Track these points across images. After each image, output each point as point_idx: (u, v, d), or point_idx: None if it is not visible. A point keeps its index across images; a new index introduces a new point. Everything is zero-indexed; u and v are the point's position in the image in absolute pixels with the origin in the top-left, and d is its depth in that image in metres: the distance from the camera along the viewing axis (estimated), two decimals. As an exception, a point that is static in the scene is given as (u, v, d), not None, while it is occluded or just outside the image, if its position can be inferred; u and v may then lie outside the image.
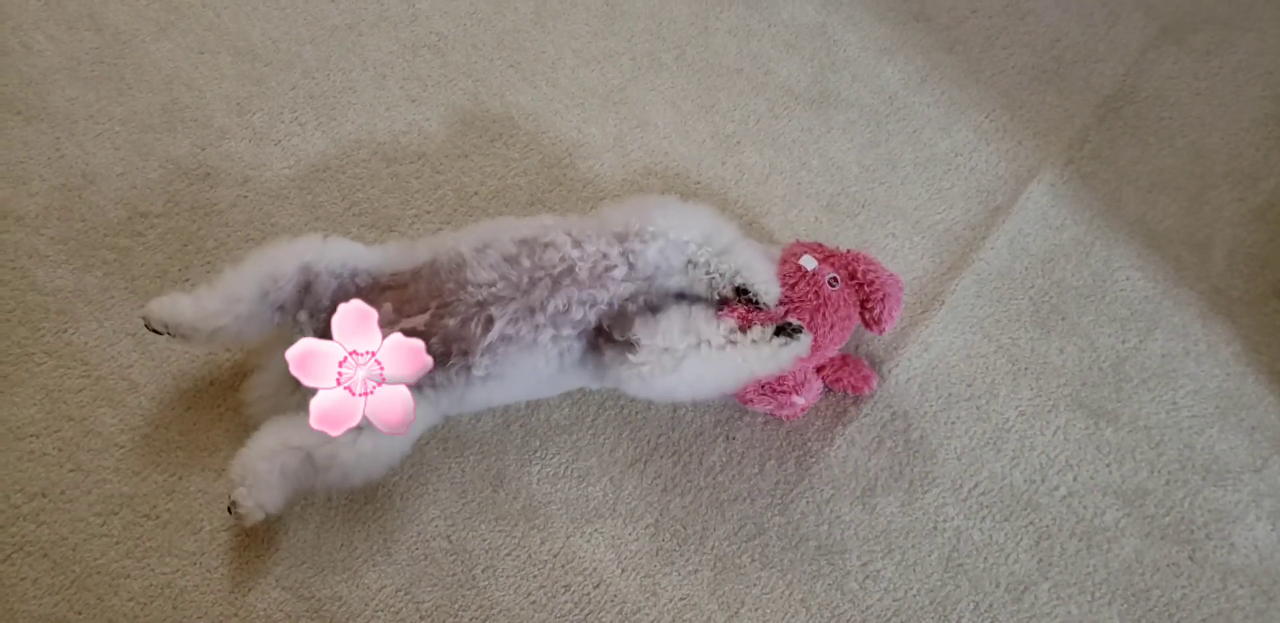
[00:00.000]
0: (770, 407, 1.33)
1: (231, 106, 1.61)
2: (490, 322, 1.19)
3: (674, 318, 1.22)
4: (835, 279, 1.27)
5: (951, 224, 1.58)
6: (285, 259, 1.22)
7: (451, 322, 1.19)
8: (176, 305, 1.20)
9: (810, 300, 1.25)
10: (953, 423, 1.41)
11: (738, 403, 1.37)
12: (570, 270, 1.21)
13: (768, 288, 1.24)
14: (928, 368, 1.45)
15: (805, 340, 1.21)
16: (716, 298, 1.25)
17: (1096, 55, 1.78)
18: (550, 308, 1.20)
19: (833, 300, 1.26)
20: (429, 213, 1.54)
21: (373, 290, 1.22)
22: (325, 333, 1.14)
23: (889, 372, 1.44)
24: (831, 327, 1.26)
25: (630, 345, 1.21)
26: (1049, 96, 1.73)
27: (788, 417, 1.36)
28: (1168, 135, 1.69)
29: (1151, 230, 1.59)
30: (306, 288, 1.22)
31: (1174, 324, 1.50)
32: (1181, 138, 1.69)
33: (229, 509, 1.17)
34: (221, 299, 1.19)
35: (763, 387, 1.29)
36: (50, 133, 1.55)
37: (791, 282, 1.26)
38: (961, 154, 1.66)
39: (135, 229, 1.48)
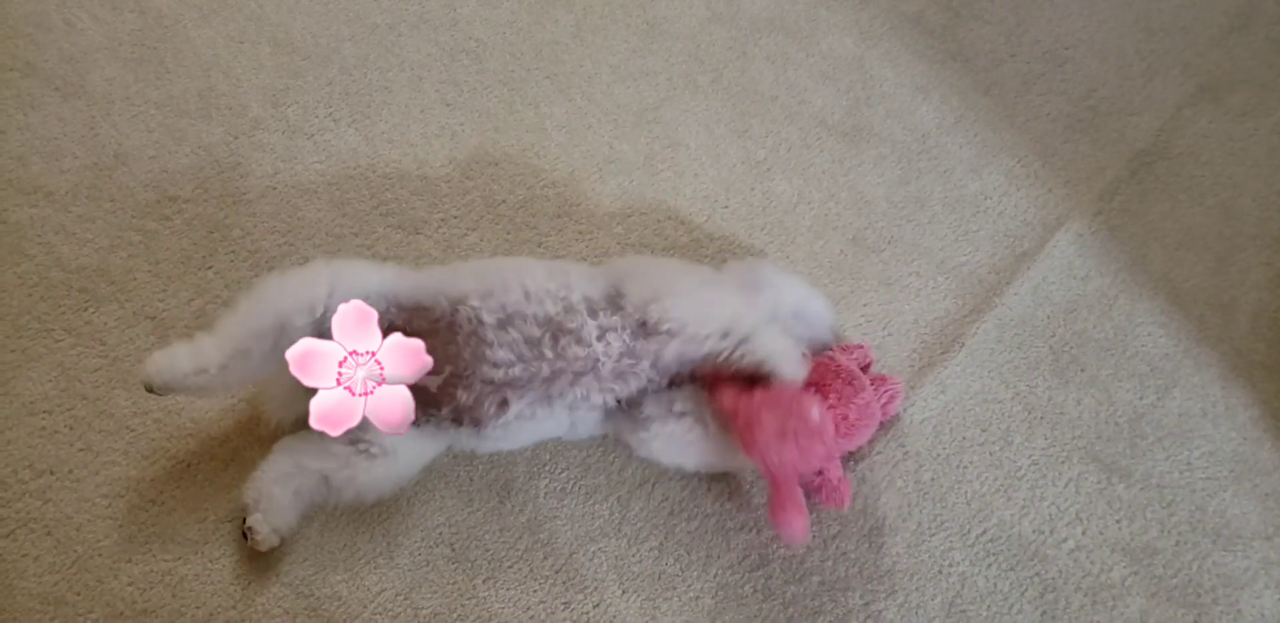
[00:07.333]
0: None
1: (267, 97, 1.60)
2: (505, 404, 1.18)
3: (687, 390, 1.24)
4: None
5: (976, 267, 1.58)
6: (293, 312, 1.14)
7: (465, 396, 1.17)
8: (174, 361, 1.13)
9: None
10: (964, 467, 1.40)
11: None
12: (594, 366, 1.19)
13: (794, 372, 1.22)
14: (943, 410, 1.44)
15: None
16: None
17: (1132, 108, 1.78)
18: (570, 397, 1.20)
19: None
20: (455, 218, 1.53)
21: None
22: None
23: (904, 411, 1.43)
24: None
25: (644, 422, 1.23)
26: (1082, 146, 1.73)
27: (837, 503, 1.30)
28: (1198, 194, 1.70)
29: (1176, 288, 1.59)
30: (323, 334, 1.14)
31: (1193, 384, 1.50)
32: (1212, 197, 1.69)
33: (243, 535, 1.18)
34: (229, 353, 1.13)
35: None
36: (86, 111, 1.54)
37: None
38: (991, 197, 1.66)
39: (163, 213, 1.47)
